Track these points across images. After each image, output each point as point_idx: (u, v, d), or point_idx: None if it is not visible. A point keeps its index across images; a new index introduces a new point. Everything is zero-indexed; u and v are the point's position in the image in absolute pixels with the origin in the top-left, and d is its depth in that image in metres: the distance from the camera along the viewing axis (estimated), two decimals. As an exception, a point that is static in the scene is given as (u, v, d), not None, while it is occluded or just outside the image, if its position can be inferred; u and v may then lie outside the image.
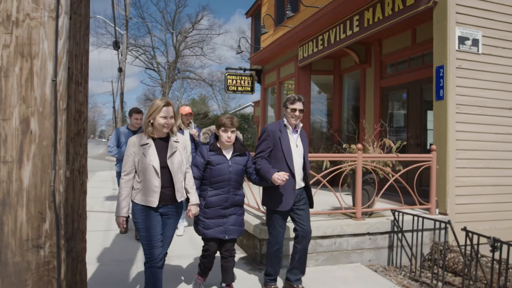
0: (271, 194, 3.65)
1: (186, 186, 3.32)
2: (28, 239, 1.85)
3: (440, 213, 5.41)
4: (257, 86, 12.44)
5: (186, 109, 5.98)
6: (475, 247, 4.10)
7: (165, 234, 3.21)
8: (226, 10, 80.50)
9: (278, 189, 3.56)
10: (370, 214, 5.33)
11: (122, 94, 21.89)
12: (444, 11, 5.41)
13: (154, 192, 3.05)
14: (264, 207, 4.25)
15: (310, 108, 9.55)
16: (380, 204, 5.96)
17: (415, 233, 4.84)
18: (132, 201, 3.14)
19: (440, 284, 4.31)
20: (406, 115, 7.52)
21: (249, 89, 11.83)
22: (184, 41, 42.11)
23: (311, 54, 8.81)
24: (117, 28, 20.57)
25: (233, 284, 3.73)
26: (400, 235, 4.99)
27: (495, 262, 3.85)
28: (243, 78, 11.78)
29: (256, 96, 14.99)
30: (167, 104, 3.12)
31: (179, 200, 3.19)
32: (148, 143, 3.10)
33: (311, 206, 3.84)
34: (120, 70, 20.93)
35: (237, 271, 4.16)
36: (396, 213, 4.98)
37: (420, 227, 4.77)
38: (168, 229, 3.24)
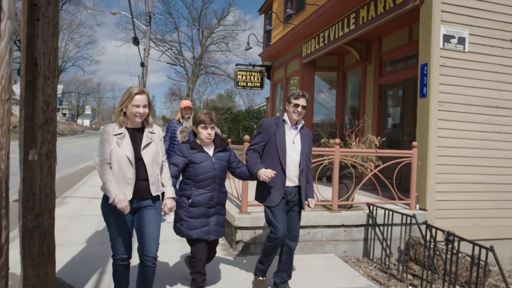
0: (261, 189, 3.60)
1: (162, 179, 3.12)
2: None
3: (420, 209, 5.50)
4: (268, 82, 12.65)
5: (185, 103, 6.03)
6: (452, 241, 4.20)
7: (147, 230, 2.98)
8: (252, 7, 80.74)
9: (267, 183, 3.46)
10: (349, 207, 5.49)
11: (144, 87, 22.53)
12: (429, 10, 5.47)
13: (128, 184, 2.86)
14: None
15: (313, 104, 9.69)
16: (364, 198, 6.11)
17: (389, 227, 4.97)
18: (104, 194, 2.95)
19: (405, 275, 4.44)
20: (401, 112, 7.57)
21: (258, 84, 12.06)
22: (210, 36, 42.67)
23: (313, 51, 8.95)
24: (141, 24, 21.18)
25: (207, 268, 3.65)
26: (375, 228, 5.12)
27: (449, 253, 3.95)
28: (252, 74, 12.02)
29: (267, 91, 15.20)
30: (140, 92, 2.92)
31: (154, 194, 2.98)
32: (122, 133, 2.92)
33: (300, 207, 3.68)
34: (142, 65, 21.55)
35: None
36: (372, 207, 5.11)
37: (395, 222, 4.89)
38: (149, 221, 2.99)
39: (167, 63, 33.98)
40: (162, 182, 3.12)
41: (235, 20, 58.83)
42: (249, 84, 11.98)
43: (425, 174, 5.41)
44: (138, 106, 2.90)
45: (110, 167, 2.87)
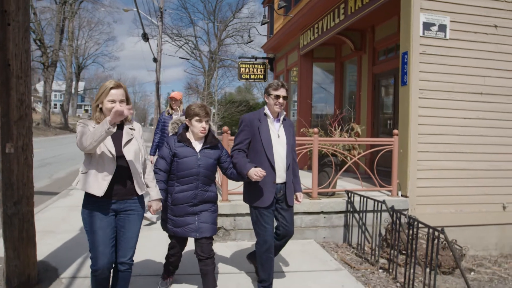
0: (250, 189, 3.40)
1: (145, 179, 2.93)
2: None
3: (402, 196, 5.60)
4: (272, 74, 12.77)
5: (173, 93, 5.74)
6: (420, 226, 4.31)
7: (125, 235, 2.82)
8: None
9: (257, 183, 3.30)
10: (331, 195, 5.63)
11: (158, 83, 22.99)
12: (408, -2, 5.50)
13: (104, 180, 2.66)
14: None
15: (312, 95, 9.79)
16: (352, 185, 6.23)
17: (365, 213, 5.09)
18: (84, 196, 2.76)
19: (377, 259, 4.57)
20: (393, 101, 7.61)
21: (261, 76, 12.21)
22: (225, 30, 42.86)
23: (309, 42, 9.03)
24: (152, 20, 21.54)
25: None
26: (353, 214, 5.25)
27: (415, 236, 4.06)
28: (255, 66, 12.17)
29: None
30: (116, 86, 2.75)
31: (139, 193, 2.81)
32: None
33: (288, 203, 3.48)
34: (155, 60, 21.92)
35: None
36: (350, 194, 5.24)
37: (373, 208, 5.00)
38: (129, 228, 2.82)
39: (180, 57, 34.51)
40: (146, 182, 2.93)
41: (250, 13, 58.55)
42: (252, 76, 12.15)
43: (406, 161, 5.49)
44: (114, 101, 2.70)
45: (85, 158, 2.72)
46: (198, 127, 3.21)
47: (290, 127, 3.56)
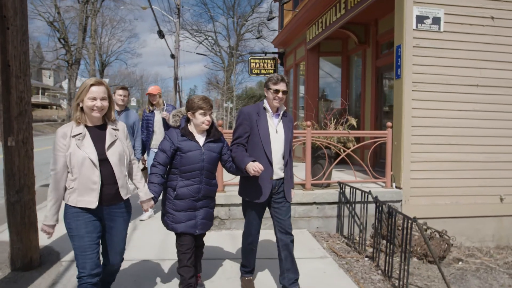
0: (246, 184, 3.35)
1: (133, 180, 2.92)
2: None
3: (396, 187, 5.68)
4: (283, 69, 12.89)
5: (150, 89, 5.49)
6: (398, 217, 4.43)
7: (112, 241, 2.76)
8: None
9: (254, 179, 3.23)
10: (326, 186, 5.77)
11: (175, 79, 23.42)
12: (402, -9, 5.55)
13: (93, 190, 2.56)
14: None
15: (319, 89, 9.89)
16: (348, 177, 6.33)
17: (354, 204, 5.20)
18: (66, 204, 2.64)
19: (364, 248, 4.71)
20: (395, 94, 7.64)
21: (272, 71, 12.35)
22: (245, 25, 43.04)
23: (314, 37, 9.13)
24: (169, 16, 21.91)
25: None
26: (347, 205, 5.39)
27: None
28: (266, 61, 12.33)
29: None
30: (97, 83, 2.62)
31: (124, 197, 2.73)
32: (81, 133, 2.59)
33: (287, 199, 3.40)
34: (172, 57, 22.31)
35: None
36: (342, 185, 5.38)
37: (357, 199, 5.11)
38: (116, 234, 2.76)
39: (197, 53, 34.83)
40: (134, 183, 2.91)
41: (268, 7, 58.35)
42: (262, 71, 12.31)
43: (400, 153, 5.57)
44: (94, 99, 2.58)
45: (68, 174, 2.59)
46: (203, 120, 3.11)
47: (289, 122, 3.45)
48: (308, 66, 9.86)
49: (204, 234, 3.40)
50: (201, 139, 3.18)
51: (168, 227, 3.21)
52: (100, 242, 2.71)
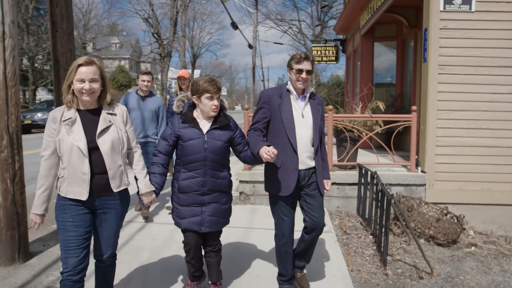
0: (269, 176, 3.03)
1: (134, 171, 2.70)
2: None
3: (422, 171, 5.69)
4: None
5: (180, 72, 5.26)
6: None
7: (102, 235, 2.55)
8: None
9: (277, 169, 2.95)
10: (351, 168, 5.98)
11: (253, 68, 24.28)
12: (429, -27, 5.48)
13: (83, 181, 2.37)
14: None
15: (373, 74, 9.83)
16: (373, 160, 6.40)
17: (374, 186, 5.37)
18: (57, 194, 2.48)
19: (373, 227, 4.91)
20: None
21: (333, 58, 12.43)
22: (329, 12, 42.44)
23: (366, 22, 9.10)
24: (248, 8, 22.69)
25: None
26: (363, 186, 5.56)
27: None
28: (327, 48, 12.43)
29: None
30: (86, 63, 2.38)
31: (115, 190, 2.48)
32: (71, 118, 2.39)
33: (321, 191, 3.07)
34: (250, 47, 23.14)
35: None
36: (362, 167, 5.56)
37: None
38: (106, 227, 2.55)
39: (275, 42, 35.27)
40: (134, 173, 2.70)
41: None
42: (324, 58, 12.45)
43: (424, 137, 5.56)
44: (83, 81, 2.35)
45: (59, 160, 2.44)
46: (209, 105, 2.79)
47: (318, 105, 3.09)
48: (362, 51, 9.84)
49: (216, 234, 3.02)
50: (205, 126, 2.85)
51: (174, 222, 2.96)
52: (92, 236, 2.56)
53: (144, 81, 4.96)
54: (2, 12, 3.51)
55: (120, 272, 3.42)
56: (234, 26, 17.63)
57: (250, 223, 4.98)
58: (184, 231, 2.93)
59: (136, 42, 46.53)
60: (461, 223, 4.79)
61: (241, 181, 5.82)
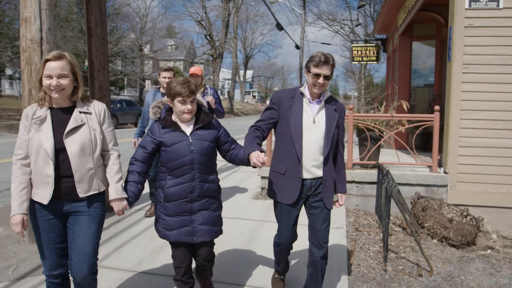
0: (273, 182, 2.90)
1: (107, 174, 2.47)
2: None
3: (444, 172, 5.61)
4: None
5: (193, 69, 5.01)
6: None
7: (76, 242, 2.34)
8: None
9: (282, 176, 2.81)
10: (372, 167, 6.01)
11: (301, 69, 24.37)
12: (454, -30, 5.40)
13: (47, 184, 2.24)
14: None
15: (410, 76, 9.65)
16: (395, 160, 6.33)
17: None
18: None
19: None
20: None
21: (374, 58, 12.25)
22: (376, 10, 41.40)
23: (403, 21, 8.98)
24: (295, 8, 22.84)
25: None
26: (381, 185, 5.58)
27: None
28: (368, 48, 12.27)
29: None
30: (55, 58, 2.23)
31: (81, 195, 2.31)
32: (40, 116, 2.28)
33: (326, 205, 2.83)
34: (297, 47, 23.28)
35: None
36: (380, 167, 5.58)
37: (400, 182, 5.30)
38: (79, 234, 2.34)
39: (322, 43, 34.92)
40: (107, 177, 2.47)
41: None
42: (364, 58, 12.29)
43: (447, 137, 5.48)
44: (50, 77, 2.21)
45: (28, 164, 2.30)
46: (182, 109, 2.61)
47: (336, 111, 2.82)
48: (400, 51, 9.68)
49: (208, 245, 2.83)
50: (187, 128, 2.70)
51: (160, 234, 2.74)
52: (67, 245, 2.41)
53: (165, 77, 4.79)
54: (40, 21, 4.01)
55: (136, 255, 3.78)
56: (280, 27, 17.87)
57: (266, 217, 5.20)
58: (173, 244, 2.74)
59: (190, 44, 48.18)
60: (477, 225, 4.69)
61: (262, 177, 6.06)
